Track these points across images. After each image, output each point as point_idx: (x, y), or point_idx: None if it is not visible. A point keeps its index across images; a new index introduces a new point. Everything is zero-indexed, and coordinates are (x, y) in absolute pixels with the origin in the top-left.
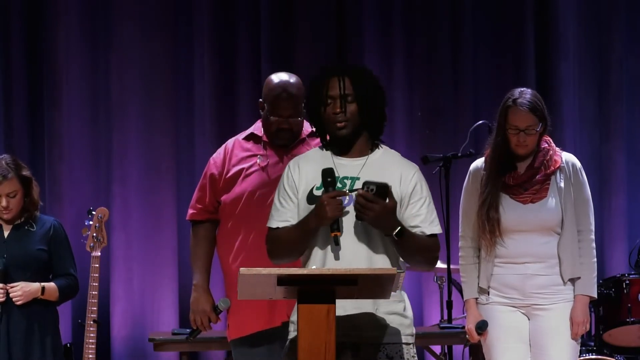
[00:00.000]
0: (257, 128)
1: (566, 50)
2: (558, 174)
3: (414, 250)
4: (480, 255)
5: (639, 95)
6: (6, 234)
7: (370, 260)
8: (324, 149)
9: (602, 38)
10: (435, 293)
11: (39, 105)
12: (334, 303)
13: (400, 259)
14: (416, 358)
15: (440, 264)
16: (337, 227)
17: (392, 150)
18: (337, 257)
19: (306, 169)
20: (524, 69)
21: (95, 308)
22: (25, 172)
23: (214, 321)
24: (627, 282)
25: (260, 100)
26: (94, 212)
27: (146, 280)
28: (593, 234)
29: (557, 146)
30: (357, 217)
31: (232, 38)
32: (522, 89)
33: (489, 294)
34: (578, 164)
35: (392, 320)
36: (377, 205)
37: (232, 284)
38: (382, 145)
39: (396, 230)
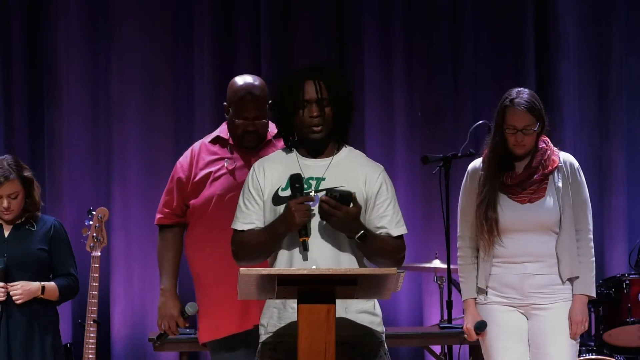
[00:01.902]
0: (222, 131)
1: (566, 50)
2: (556, 174)
3: (378, 252)
4: (478, 255)
5: (639, 95)
6: (7, 233)
7: (338, 260)
8: (289, 151)
9: (602, 38)
10: (435, 293)
11: (39, 105)
12: (334, 303)
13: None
14: (388, 355)
15: (440, 264)
16: (305, 232)
17: (357, 151)
18: (305, 258)
19: (271, 170)
20: (524, 69)
21: (95, 308)
22: (27, 173)
23: (182, 325)
24: (627, 282)
25: (225, 103)
26: (94, 212)
27: (146, 280)
28: (591, 233)
29: (556, 146)
30: (321, 218)
31: (232, 38)
32: (519, 89)
33: (487, 294)
34: (576, 163)
35: (363, 319)
36: (340, 211)
37: (201, 287)
38: (347, 146)
39: (359, 234)
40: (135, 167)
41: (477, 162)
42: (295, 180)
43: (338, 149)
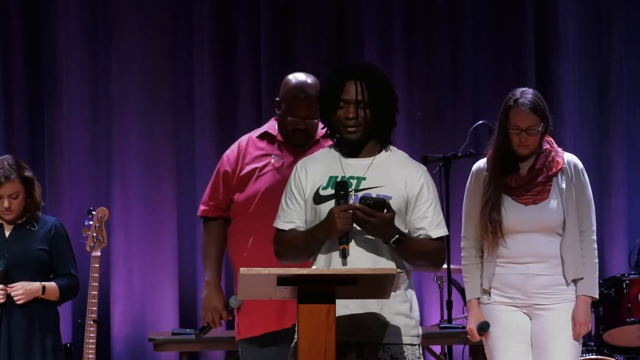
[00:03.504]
0: (271, 127)
1: (566, 50)
2: (560, 175)
3: (415, 255)
4: (482, 255)
5: (639, 95)
6: (7, 233)
7: (376, 264)
8: (333, 149)
9: (602, 38)
10: (435, 293)
11: (39, 105)
12: (334, 303)
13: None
14: (422, 358)
15: None
16: (345, 240)
17: (400, 152)
18: (343, 265)
19: (313, 169)
20: (524, 69)
21: (95, 308)
22: (27, 173)
23: (225, 318)
24: (627, 282)
25: (277, 99)
26: (94, 212)
27: (146, 280)
28: (595, 234)
29: (557, 146)
30: (357, 225)
31: (232, 38)
32: (523, 89)
33: (490, 295)
34: (580, 165)
35: (397, 321)
36: (375, 218)
37: None
38: (391, 147)
39: (394, 239)
40: (135, 167)
41: (482, 163)
42: (340, 187)
43: (380, 150)
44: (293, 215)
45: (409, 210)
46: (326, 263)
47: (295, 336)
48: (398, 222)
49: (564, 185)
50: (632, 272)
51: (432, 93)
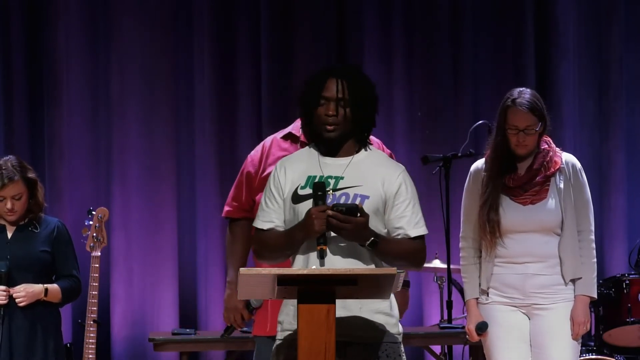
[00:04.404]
0: (295, 128)
1: (566, 50)
2: (558, 175)
3: (393, 255)
4: (481, 255)
5: (639, 94)
6: (10, 234)
7: (354, 265)
8: (312, 148)
9: (602, 38)
10: (435, 293)
11: (39, 105)
12: (334, 303)
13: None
14: (404, 356)
15: (440, 264)
16: (323, 241)
17: (379, 151)
18: (321, 265)
19: (292, 169)
20: (524, 69)
21: (95, 308)
22: (31, 174)
23: (247, 318)
24: (627, 282)
25: None
26: (94, 212)
27: (146, 280)
28: (593, 234)
29: (556, 146)
30: (331, 231)
31: (232, 38)
32: (521, 89)
33: (488, 295)
34: (578, 164)
35: (378, 319)
36: (349, 224)
37: None
38: (370, 147)
39: (368, 242)
40: (135, 167)
41: (480, 163)
42: (318, 188)
43: (359, 149)
44: (272, 215)
45: (387, 210)
46: (304, 263)
47: (278, 337)
48: (376, 222)
49: (562, 185)
50: (632, 272)
51: (432, 93)
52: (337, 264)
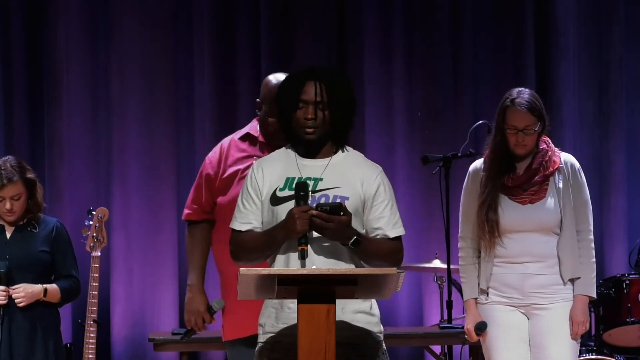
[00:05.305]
0: (252, 128)
1: (566, 50)
2: (557, 175)
3: (373, 255)
4: (480, 255)
5: (639, 94)
6: (9, 235)
7: (335, 265)
8: (289, 150)
9: (602, 38)
10: (435, 293)
11: (39, 105)
12: (334, 303)
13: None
14: (386, 355)
15: (440, 264)
16: (305, 241)
17: (356, 152)
18: (302, 266)
19: (270, 170)
20: (524, 69)
21: (95, 308)
22: (30, 175)
23: (208, 321)
24: (627, 282)
25: (258, 100)
26: (94, 212)
27: (146, 280)
28: (592, 234)
29: (556, 146)
30: (315, 231)
31: (232, 38)
32: (520, 89)
33: (487, 295)
34: (577, 164)
35: (359, 319)
36: (332, 223)
37: (227, 285)
38: (347, 148)
39: (352, 241)
40: (135, 167)
41: (478, 163)
42: (300, 188)
43: (336, 151)
44: (250, 216)
45: (366, 210)
46: (285, 264)
47: (260, 339)
48: (355, 222)
49: (561, 185)
50: (632, 272)
51: (432, 93)
52: (318, 263)
